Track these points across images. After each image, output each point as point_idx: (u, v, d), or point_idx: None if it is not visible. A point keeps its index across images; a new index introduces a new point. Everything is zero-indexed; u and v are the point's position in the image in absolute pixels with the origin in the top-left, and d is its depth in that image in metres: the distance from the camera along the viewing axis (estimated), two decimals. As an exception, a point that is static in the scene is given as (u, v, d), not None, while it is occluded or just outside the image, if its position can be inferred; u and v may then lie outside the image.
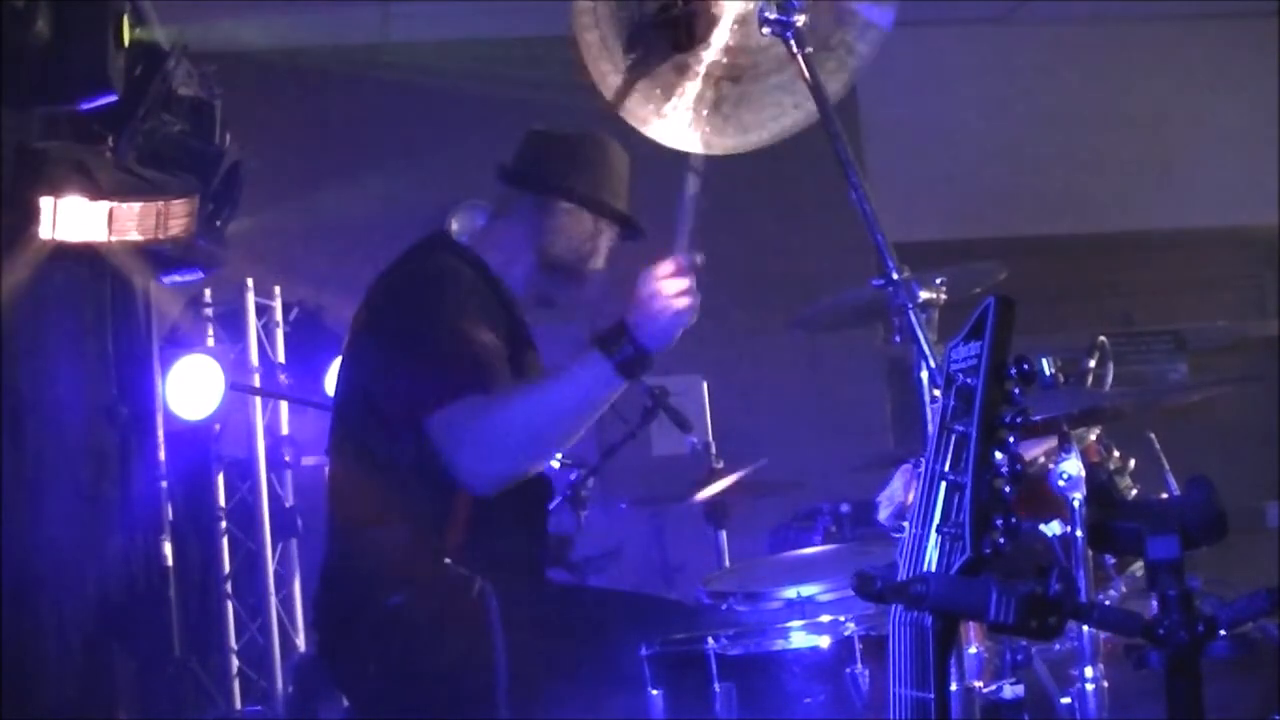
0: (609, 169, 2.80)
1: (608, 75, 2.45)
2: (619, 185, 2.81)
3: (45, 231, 3.55)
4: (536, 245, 2.76)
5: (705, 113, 2.47)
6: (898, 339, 2.12)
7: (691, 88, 2.45)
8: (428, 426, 2.45)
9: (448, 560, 2.49)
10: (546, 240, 2.76)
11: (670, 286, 2.42)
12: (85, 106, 3.52)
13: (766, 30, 2.22)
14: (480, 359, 2.48)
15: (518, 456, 2.47)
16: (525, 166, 2.81)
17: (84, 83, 3.46)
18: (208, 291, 5.07)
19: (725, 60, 2.44)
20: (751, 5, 2.32)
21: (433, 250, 2.75)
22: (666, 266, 2.44)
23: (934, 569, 1.31)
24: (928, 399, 2.01)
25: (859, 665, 2.18)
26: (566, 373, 2.46)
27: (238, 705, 5.00)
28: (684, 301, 2.43)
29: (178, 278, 4.29)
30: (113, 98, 3.51)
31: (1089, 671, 2.23)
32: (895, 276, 2.10)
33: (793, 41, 2.21)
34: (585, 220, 2.77)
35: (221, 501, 5.10)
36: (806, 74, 2.20)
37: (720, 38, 2.42)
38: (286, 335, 5.32)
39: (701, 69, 2.44)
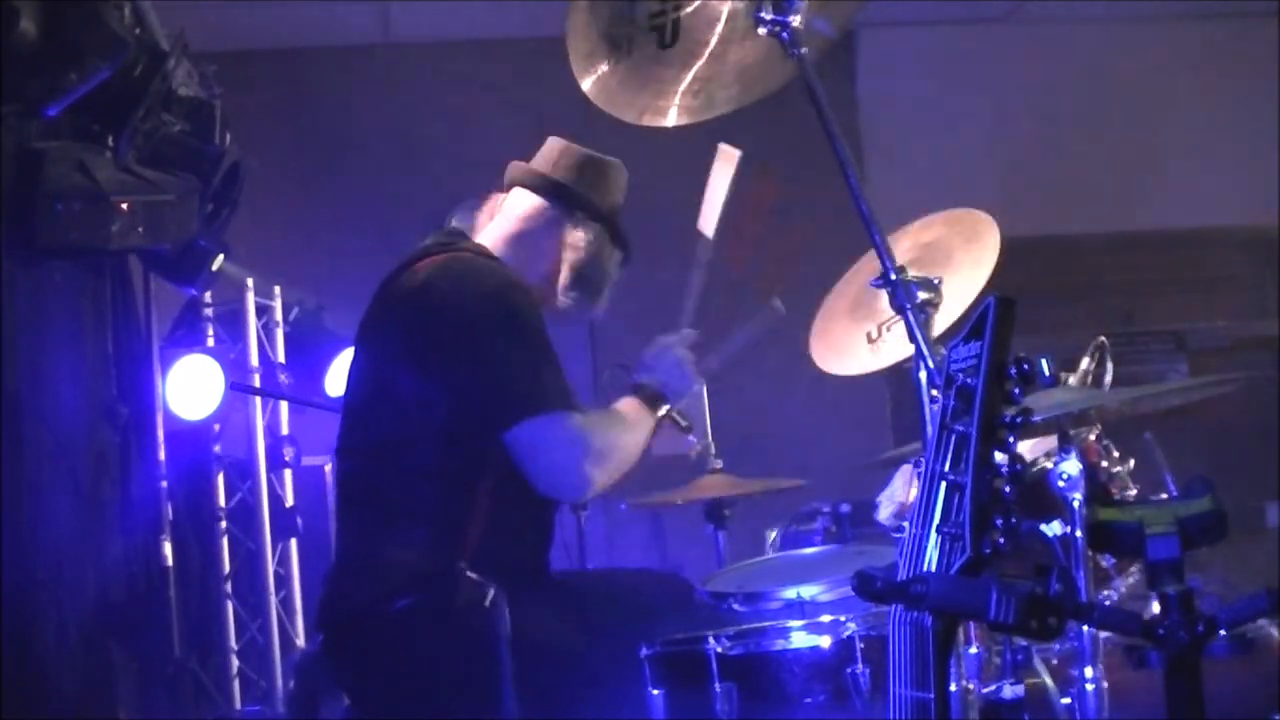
0: (622, 197, 2.88)
1: (594, 75, 2.48)
2: (619, 211, 2.89)
3: (45, 231, 3.55)
4: (568, 260, 2.79)
5: (680, 92, 2.52)
6: (897, 339, 2.12)
7: (670, 74, 2.50)
8: (516, 434, 2.50)
9: (463, 565, 2.49)
10: (578, 257, 2.79)
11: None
12: (109, 73, 3.51)
13: (762, 30, 2.23)
14: (562, 376, 2.58)
15: (611, 471, 2.59)
16: (559, 179, 2.82)
17: (96, 53, 3.46)
18: (208, 292, 5.06)
19: (704, 50, 2.48)
20: (739, 4, 2.36)
21: (466, 251, 2.73)
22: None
23: (934, 569, 1.31)
24: (927, 399, 2.01)
25: (859, 665, 2.18)
26: (637, 417, 2.74)
27: (238, 705, 4.99)
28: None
29: (179, 286, 4.30)
30: (127, 54, 3.51)
31: (1089, 671, 2.23)
32: (894, 277, 2.10)
33: (788, 41, 2.22)
34: (608, 244, 2.84)
35: (221, 501, 5.10)
36: (803, 74, 2.21)
37: (705, 34, 2.45)
38: (286, 335, 5.32)
39: (685, 62, 2.48)
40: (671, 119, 2.59)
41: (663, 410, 2.77)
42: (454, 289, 2.63)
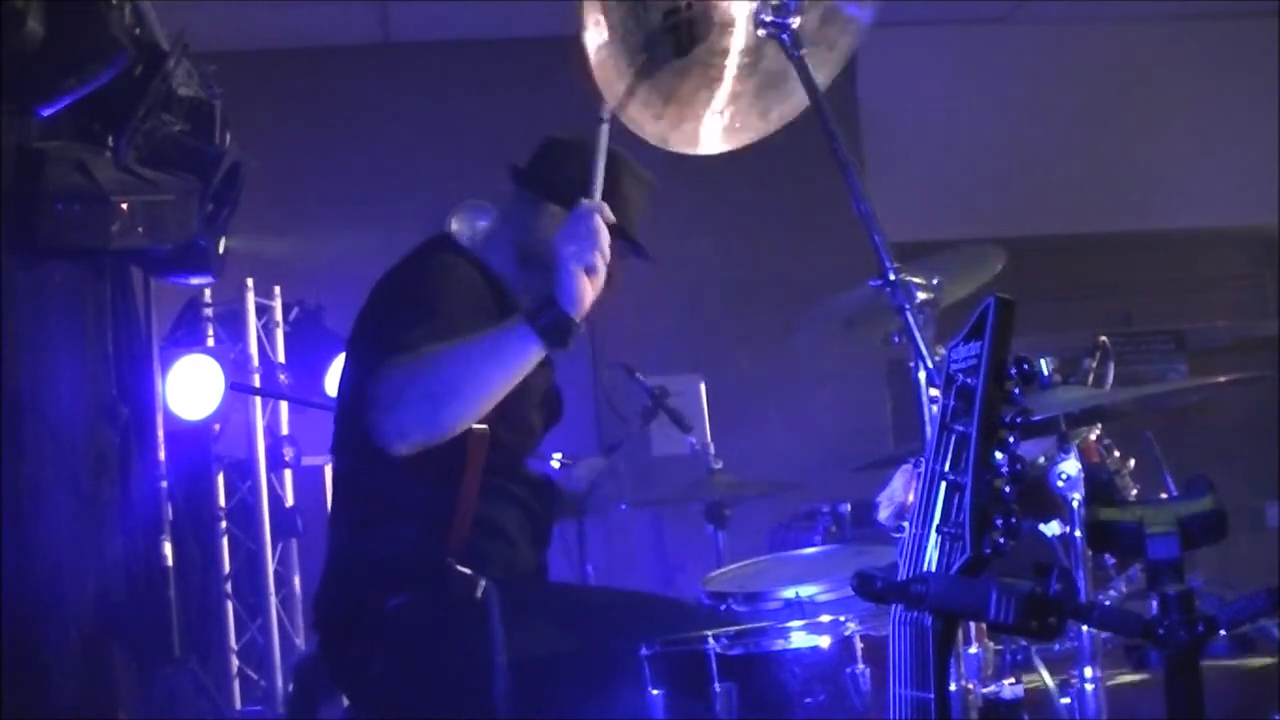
0: (610, 182, 2.66)
1: (612, 82, 2.43)
2: (620, 201, 2.69)
3: (45, 231, 3.55)
4: (518, 241, 2.75)
5: (703, 113, 2.49)
6: (897, 339, 2.12)
7: (690, 90, 2.46)
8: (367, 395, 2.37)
9: (451, 560, 2.50)
10: (528, 238, 2.74)
11: (578, 238, 2.37)
12: (107, 78, 3.51)
13: (762, 31, 2.23)
14: (433, 333, 2.40)
15: (425, 408, 2.33)
16: (529, 169, 2.82)
17: (94, 58, 3.46)
18: (208, 291, 5.07)
19: (723, 61, 2.45)
20: (750, 6, 2.33)
21: (432, 249, 2.75)
22: (574, 220, 2.39)
23: (934, 569, 1.31)
24: (927, 399, 2.01)
25: (859, 665, 2.18)
26: (489, 334, 2.40)
27: (238, 705, 5.00)
28: (592, 252, 2.36)
29: (178, 280, 4.29)
30: (125, 61, 3.50)
31: (1089, 671, 2.23)
32: (893, 277, 2.10)
33: (788, 43, 2.22)
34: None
35: (221, 501, 5.11)
36: (802, 75, 2.21)
37: (721, 41, 2.43)
38: (286, 335, 5.33)
39: (701, 71, 2.45)
40: (704, 147, 2.51)
41: (560, 326, 2.35)
42: (381, 284, 2.66)
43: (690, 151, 2.50)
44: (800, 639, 2.25)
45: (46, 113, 3.53)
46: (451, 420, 2.35)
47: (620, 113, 2.44)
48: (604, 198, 2.54)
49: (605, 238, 2.37)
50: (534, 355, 2.37)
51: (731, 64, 2.44)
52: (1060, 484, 2.23)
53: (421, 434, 2.34)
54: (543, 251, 2.69)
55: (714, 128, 2.49)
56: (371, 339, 2.59)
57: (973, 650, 2.26)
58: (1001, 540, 1.29)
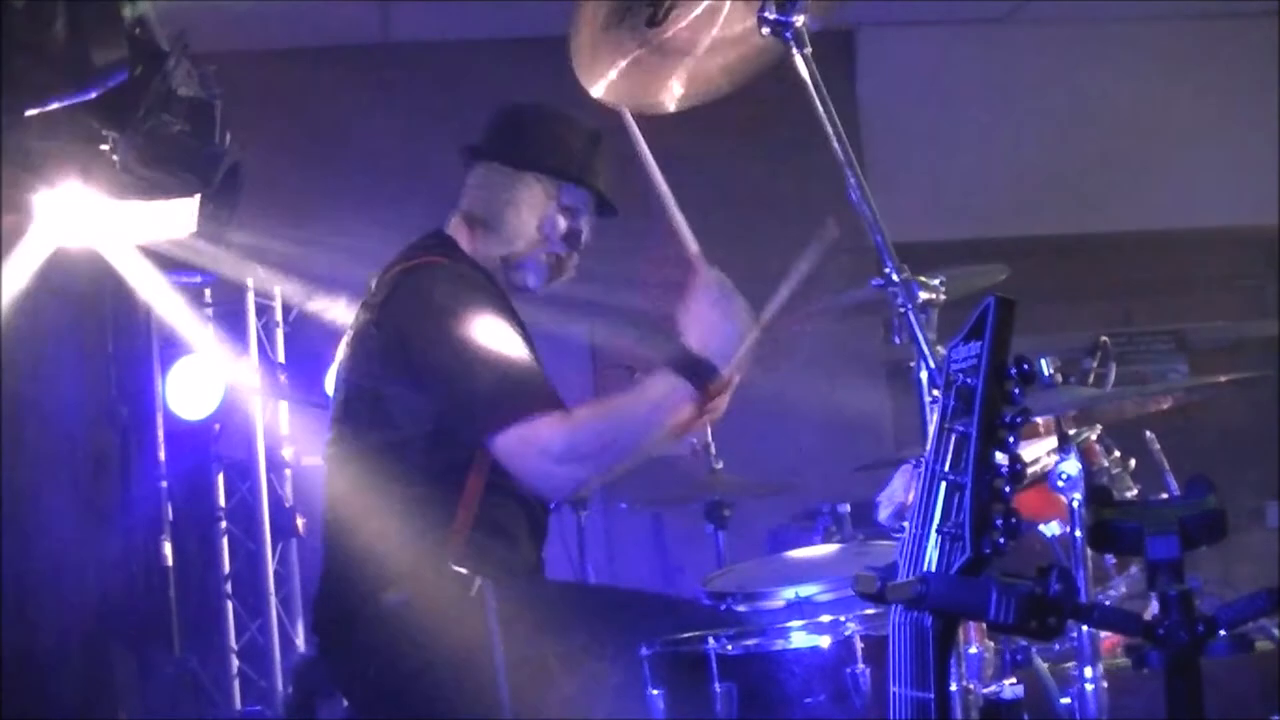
0: (548, 134, 2.77)
1: (598, 74, 2.46)
2: (587, 160, 2.77)
3: (45, 232, 3.55)
4: (494, 229, 2.75)
5: (670, 77, 2.51)
6: (897, 339, 2.12)
7: (665, 65, 2.48)
8: (498, 443, 2.48)
9: (448, 559, 2.50)
10: (506, 225, 2.74)
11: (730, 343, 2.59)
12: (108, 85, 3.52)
13: (765, 30, 2.23)
14: (530, 371, 2.55)
15: (607, 465, 2.56)
16: (493, 142, 2.81)
17: (102, 61, 3.47)
18: (208, 291, 5.07)
19: (690, 34, 2.47)
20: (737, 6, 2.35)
21: (444, 251, 2.73)
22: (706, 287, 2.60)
23: (934, 569, 1.31)
24: (928, 399, 2.01)
25: (859, 665, 2.18)
26: (651, 399, 2.56)
27: (238, 705, 5.00)
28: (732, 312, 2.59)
29: (178, 279, 4.30)
30: (124, 76, 3.52)
31: (1089, 671, 2.23)
32: (895, 277, 2.10)
33: (791, 40, 2.21)
34: (537, 185, 2.75)
35: (221, 501, 5.11)
36: (805, 74, 2.21)
37: (699, 26, 2.44)
38: (286, 335, 5.33)
39: (674, 48, 2.47)
40: (664, 106, 2.56)
41: (708, 377, 2.56)
42: (416, 296, 2.62)
43: (654, 112, 2.54)
44: (800, 639, 2.25)
45: (33, 112, 3.53)
46: (620, 470, 2.61)
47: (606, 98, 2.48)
48: (590, 171, 2.73)
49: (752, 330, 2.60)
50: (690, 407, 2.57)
51: (696, 31, 2.46)
52: (1060, 484, 2.23)
53: (594, 484, 2.63)
54: (512, 229, 2.72)
55: (679, 91, 2.53)
56: (465, 380, 2.53)
57: (973, 650, 2.26)
58: (1001, 540, 1.29)
